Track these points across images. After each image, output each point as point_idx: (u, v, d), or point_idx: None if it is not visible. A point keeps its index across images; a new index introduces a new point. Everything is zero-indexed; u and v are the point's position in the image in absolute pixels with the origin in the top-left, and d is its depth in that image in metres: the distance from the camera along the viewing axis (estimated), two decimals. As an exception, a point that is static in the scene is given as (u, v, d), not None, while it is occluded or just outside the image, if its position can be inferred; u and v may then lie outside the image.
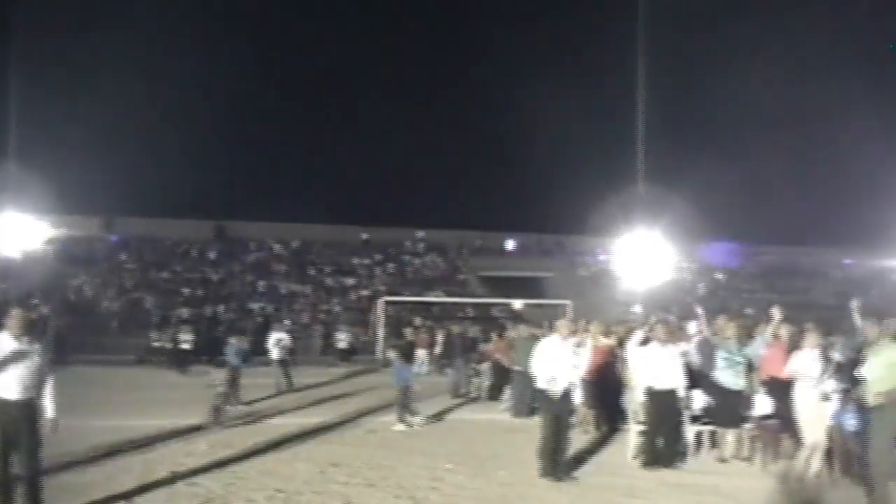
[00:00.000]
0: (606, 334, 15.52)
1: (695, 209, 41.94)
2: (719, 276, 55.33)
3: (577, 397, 11.79)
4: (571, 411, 11.54)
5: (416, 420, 15.57)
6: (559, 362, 11.10)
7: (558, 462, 11.03)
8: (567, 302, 36.26)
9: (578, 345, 12.11)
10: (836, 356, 13.19)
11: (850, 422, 11.14)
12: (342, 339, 35.73)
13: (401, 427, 15.13)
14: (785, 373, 11.42)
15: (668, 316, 15.57)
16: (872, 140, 44.43)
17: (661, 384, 11.77)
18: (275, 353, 21.50)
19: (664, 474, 11.44)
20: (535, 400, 13.14)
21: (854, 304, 12.55)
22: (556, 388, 10.97)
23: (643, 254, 38.11)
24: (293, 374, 21.63)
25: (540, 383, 11.13)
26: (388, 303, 39.61)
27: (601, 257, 52.56)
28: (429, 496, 10.16)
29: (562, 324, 11.45)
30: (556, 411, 10.99)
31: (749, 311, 33.82)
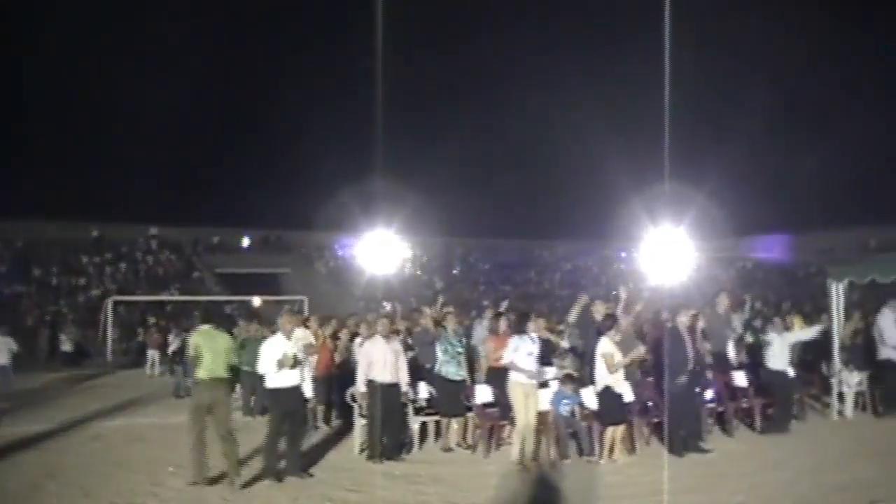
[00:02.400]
0: (338, 329, 15.45)
1: (434, 205, 42.79)
2: (456, 270, 56.67)
3: (308, 392, 11.52)
4: (301, 409, 11.28)
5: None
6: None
7: (293, 460, 10.83)
8: (303, 298, 36.13)
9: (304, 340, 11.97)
10: (564, 343, 13.80)
11: (565, 406, 11.61)
12: (67, 342, 33.80)
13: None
14: (502, 360, 11.70)
15: (395, 308, 15.72)
16: (597, 141, 46.65)
17: (383, 377, 11.78)
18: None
19: (389, 466, 11.49)
20: (264, 398, 12.90)
21: (582, 294, 13.11)
22: (286, 385, 10.71)
23: (382, 249, 38.32)
24: (13, 381, 20.20)
25: (268, 382, 10.84)
26: (119, 303, 38.05)
27: (339, 252, 52.68)
28: (146, 502, 9.80)
29: (285, 320, 11.20)
30: (285, 409, 10.73)
31: (485, 302, 34.86)
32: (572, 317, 13.94)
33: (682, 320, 12.45)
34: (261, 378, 11.25)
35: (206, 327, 10.96)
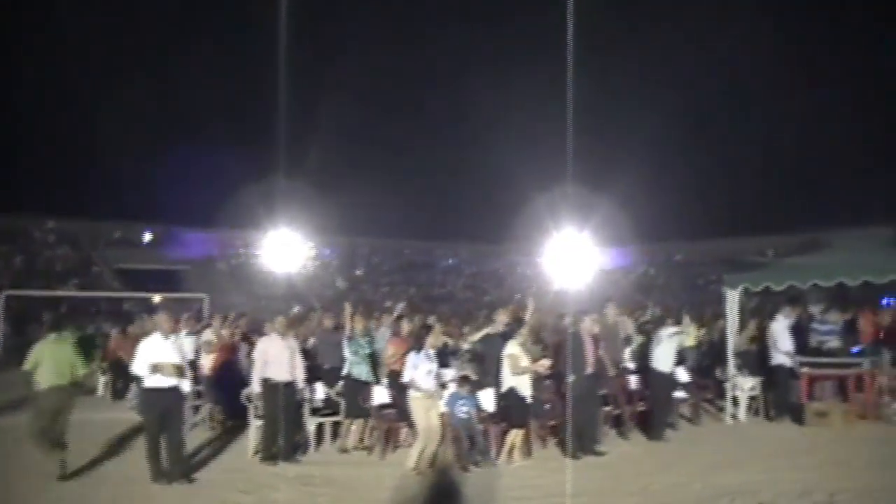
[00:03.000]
0: (233, 329, 15.26)
1: (334, 205, 42.52)
2: (359, 271, 56.45)
3: (186, 387, 11.13)
4: (179, 409, 10.95)
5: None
6: (165, 360, 10.48)
7: (176, 462, 10.58)
8: (203, 295, 35.57)
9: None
10: (465, 345, 13.82)
11: (462, 409, 11.62)
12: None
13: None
14: (402, 378, 11.62)
15: (294, 308, 15.60)
16: (502, 144, 46.96)
17: (280, 376, 11.64)
18: None
19: (284, 468, 11.37)
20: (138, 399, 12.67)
21: (488, 297, 13.08)
22: (162, 385, 10.44)
23: (285, 248, 38.05)
24: None
25: (144, 382, 10.56)
26: (11, 297, 36.89)
27: (242, 251, 52.03)
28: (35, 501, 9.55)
29: (161, 319, 10.93)
30: (161, 410, 10.45)
31: (388, 303, 34.75)
32: (477, 321, 14.00)
33: (586, 326, 12.60)
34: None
35: (52, 336, 11.14)
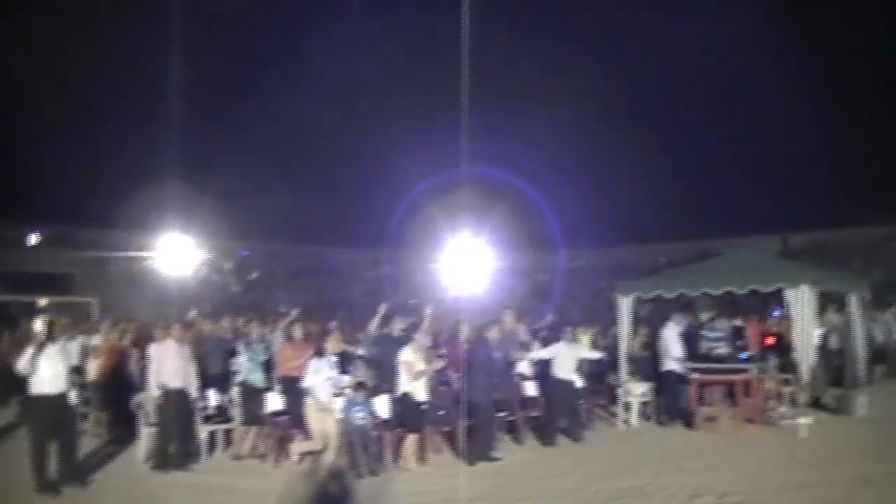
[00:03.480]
0: (122, 334, 14.92)
1: (233, 208, 41.90)
2: (256, 275, 55.73)
3: (72, 399, 10.83)
4: (67, 417, 10.62)
5: None
6: (49, 367, 10.16)
7: (68, 469, 10.28)
8: (92, 300, 34.64)
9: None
10: (360, 351, 13.75)
11: (358, 415, 11.55)
12: None
13: None
14: (303, 384, 11.50)
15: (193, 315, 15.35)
16: (396, 146, 46.89)
17: (173, 383, 11.42)
18: None
19: (176, 476, 11.17)
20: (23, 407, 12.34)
21: (383, 305, 13.12)
22: (49, 392, 10.12)
23: (178, 252, 37.33)
24: None
25: (32, 389, 10.22)
26: None
27: (134, 254, 50.90)
28: None
29: (37, 325, 10.65)
30: (47, 418, 10.14)
31: (283, 309, 34.36)
32: (372, 327, 13.94)
33: (492, 335, 12.72)
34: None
35: None
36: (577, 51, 55.65)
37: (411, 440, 11.74)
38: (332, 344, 11.76)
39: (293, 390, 11.81)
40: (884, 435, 13.15)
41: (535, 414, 14.01)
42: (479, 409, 12.03)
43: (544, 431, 13.59)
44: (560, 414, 13.69)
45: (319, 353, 11.53)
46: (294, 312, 13.94)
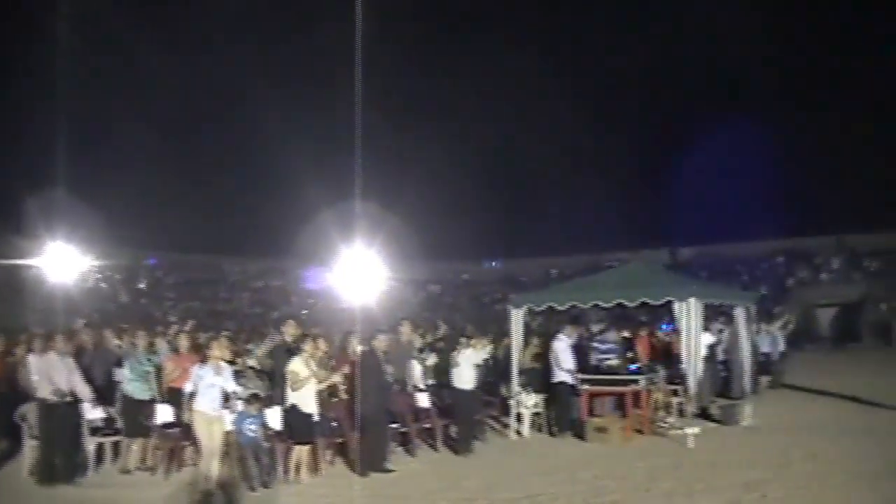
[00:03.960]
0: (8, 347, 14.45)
1: (120, 216, 41.03)
2: (142, 284, 54.60)
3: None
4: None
5: None
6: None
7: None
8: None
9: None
10: (251, 362, 13.56)
11: (250, 427, 11.36)
12: None
13: None
14: (185, 390, 11.26)
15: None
16: (289, 156, 46.44)
17: (58, 394, 11.12)
18: None
19: (63, 490, 10.90)
20: None
21: (277, 314, 12.90)
22: None
23: (63, 259, 36.27)
24: None
25: None
26: None
27: (17, 262, 49.33)
28: None
29: None
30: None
31: (173, 318, 33.78)
32: (263, 350, 13.81)
33: (378, 345, 12.65)
34: None
35: None
36: (459, 73, 56.24)
37: (303, 452, 11.62)
38: (216, 352, 11.45)
39: (180, 402, 11.55)
40: (767, 443, 13.53)
41: (428, 425, 14.01)
42: (371, 421, 11.95)
43: (457, 440, 13.67)
44: (466, 422, 13.73)
45: (202, 360, 11.29)
46: (189, 324, 13.68)
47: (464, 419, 13.83)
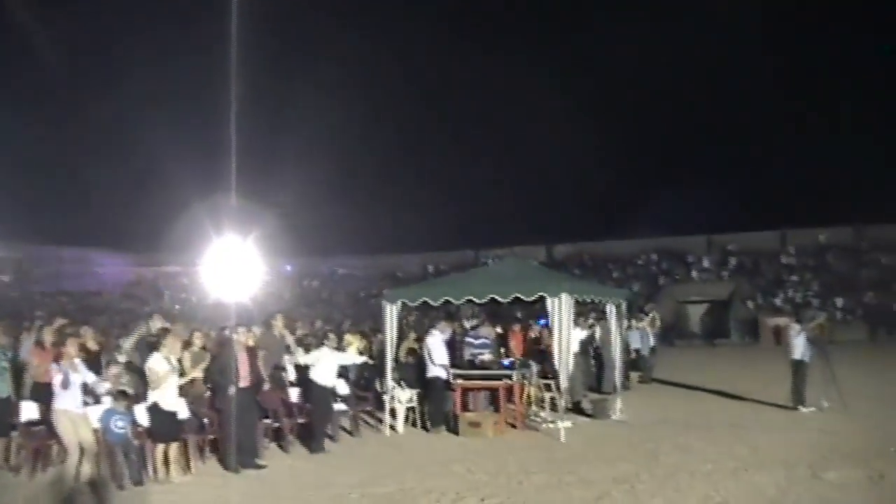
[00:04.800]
0: None
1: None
2: (5, 278, 52.81)
3: None
4: None
5: None
6: None
7: None
8: None
9: None
10: (120, 357, 13.18)
11: (118, 424, 11.05)
12: None
13: None
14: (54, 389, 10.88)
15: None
16: (159, 146, 45.50)
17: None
18: None
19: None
20: None
21: (148, 308, 12.60)
22: None
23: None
24: None
25: None
26: None
27: None
28: None
29: None
30: None
31: (39, 313, 32.69)
32: (129, 343, 13.45)
33: (239, 338, 12.43)
34: None
35: None
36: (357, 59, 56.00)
37: (170, 449, 11.35)
38: (70, 349, 11.04)
39: (46, 398, 11.14)
40: (637, 437, 13.84)
41: (301, 421, 13.86)
42: (240, 416, 11.75)
43: (309, 438, 13.47)
44: (321, 420, 13.59)
45: (59, 356, 10.91)
46: (57, 322, 13.18)
47: (318, 416, 13.67)
